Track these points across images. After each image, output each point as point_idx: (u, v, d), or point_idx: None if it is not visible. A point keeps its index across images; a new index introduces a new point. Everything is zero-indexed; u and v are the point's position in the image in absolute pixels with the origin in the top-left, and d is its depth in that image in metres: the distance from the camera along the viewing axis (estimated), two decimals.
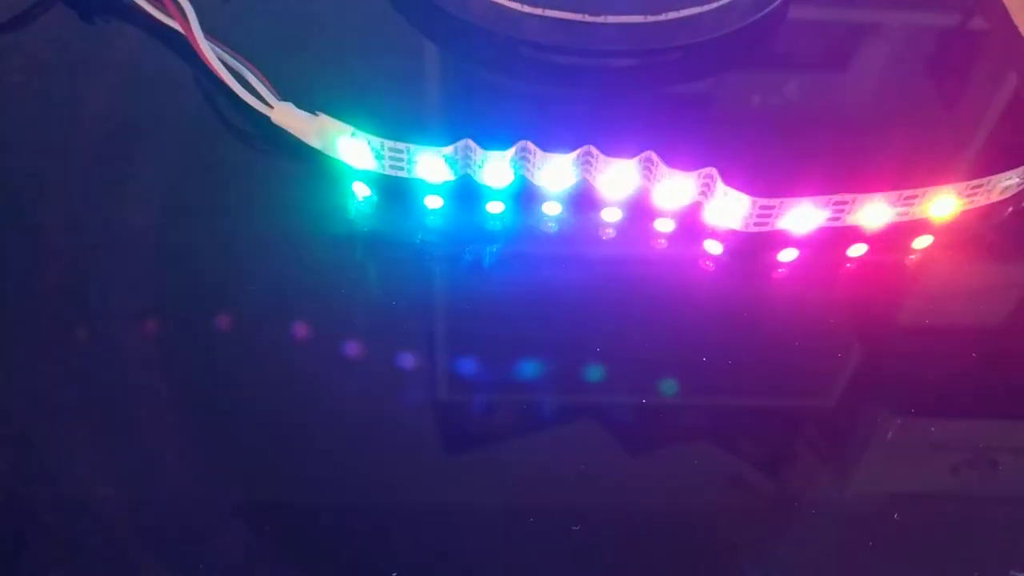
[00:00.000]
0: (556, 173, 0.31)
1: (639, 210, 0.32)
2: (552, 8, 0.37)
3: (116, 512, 0.25)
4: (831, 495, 0.27)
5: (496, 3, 0.37)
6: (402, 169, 0.32)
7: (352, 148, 0.32)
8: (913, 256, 0.32)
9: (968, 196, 0.32)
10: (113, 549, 0.24)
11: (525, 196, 0.32)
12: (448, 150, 0.31)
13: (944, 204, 0.32)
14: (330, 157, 0.32)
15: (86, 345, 0.28)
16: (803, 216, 0.31)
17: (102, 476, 0.26)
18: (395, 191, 0.32)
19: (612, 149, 0.31)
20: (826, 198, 0.31)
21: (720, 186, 0.31)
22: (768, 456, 0.28)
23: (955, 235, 0.32)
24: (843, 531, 0.26)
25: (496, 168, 0.31)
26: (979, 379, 0.29)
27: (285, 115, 0.32)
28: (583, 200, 0.32)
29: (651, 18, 0.37)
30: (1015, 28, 0.41)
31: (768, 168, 0.33)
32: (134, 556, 0.24)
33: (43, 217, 0.31)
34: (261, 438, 0.27)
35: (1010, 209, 0.33)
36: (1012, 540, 0.26)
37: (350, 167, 0.32)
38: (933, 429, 0.28)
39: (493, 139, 0.31)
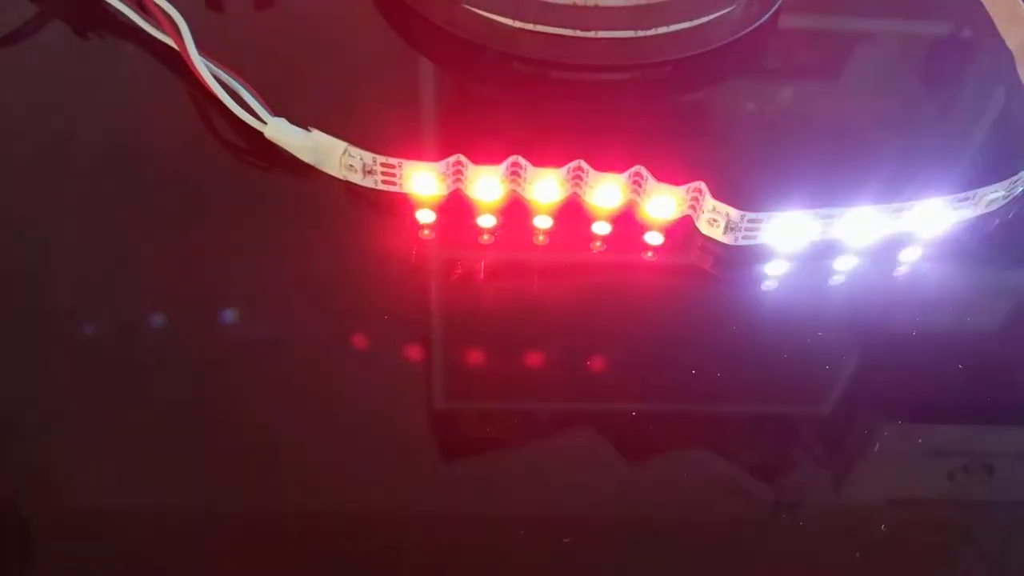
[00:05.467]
0: (546, 187, 0.32)
1: (628, 224, 0.32)
2: (544, 23, 0.37)
3: (110, 518, 0.25)
4: (828, 504, 0.27)
5: (488, 18, 0.38)
6: (395, 184, 0.32)
7: (345, 163, 0.32)
8: (901, 268, 0.32)
9: (955, 208, 0.32)
10: (107, 557, 0.25)
11: (515, 210, 0.32)
12: (440, 165, 0.31)
13: (931, 216, 0.32)
14: (323, 172, 0.33)
15: (80, 355, 0.28)
16: (792, 229, 0.31)
17: (98, 481, 0.26)
18: (387, 206, 0.32)
19: (602, 163, 0.31)
20: (814, 211, 0.31)
21: (709, 200, 0.31)
22: (763, 466, 0.28)
23: (943, 247, 0.33)
24: (840, 539, 0.26)
25: (487, 182, 0.31)
26: (970, 387, 0.30)
27: (278, 131, 0.33)
28: (573, 214, 0.32)
29: (641, 33, 0.38)
30: (1002, 40, 0.41)
31: (757, 181, 0.33)
32: (125, 563, 0.25)
33: (35, 233, 0.31)
34: (248, 448, 0.27)
35: (997, 221, 0.34)
36: (1009, 545, 0.27)
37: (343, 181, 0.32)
38: (928, 437, 0.28)
39: (484, 154, 0.31)
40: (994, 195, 0.33)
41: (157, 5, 0.35)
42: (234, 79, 0.34)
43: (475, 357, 0.29)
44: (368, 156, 0.31)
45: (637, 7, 0.37)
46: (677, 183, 0.31)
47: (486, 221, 0.32)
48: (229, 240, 0.31)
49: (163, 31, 0.35)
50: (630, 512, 0.26)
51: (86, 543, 0.25)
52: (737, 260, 0.32)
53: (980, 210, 0.33)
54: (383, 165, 0.31)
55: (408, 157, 0.31)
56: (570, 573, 0.25)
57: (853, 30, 0.43)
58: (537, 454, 0.28)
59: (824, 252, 0.32)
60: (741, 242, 0.31)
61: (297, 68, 0.37)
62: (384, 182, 0.32)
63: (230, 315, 0.29)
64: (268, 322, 0.29)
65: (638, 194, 0.32)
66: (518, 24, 0.37)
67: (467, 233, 0.32)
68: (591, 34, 0.37)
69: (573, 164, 0.31)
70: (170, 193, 0.33)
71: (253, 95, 0.33)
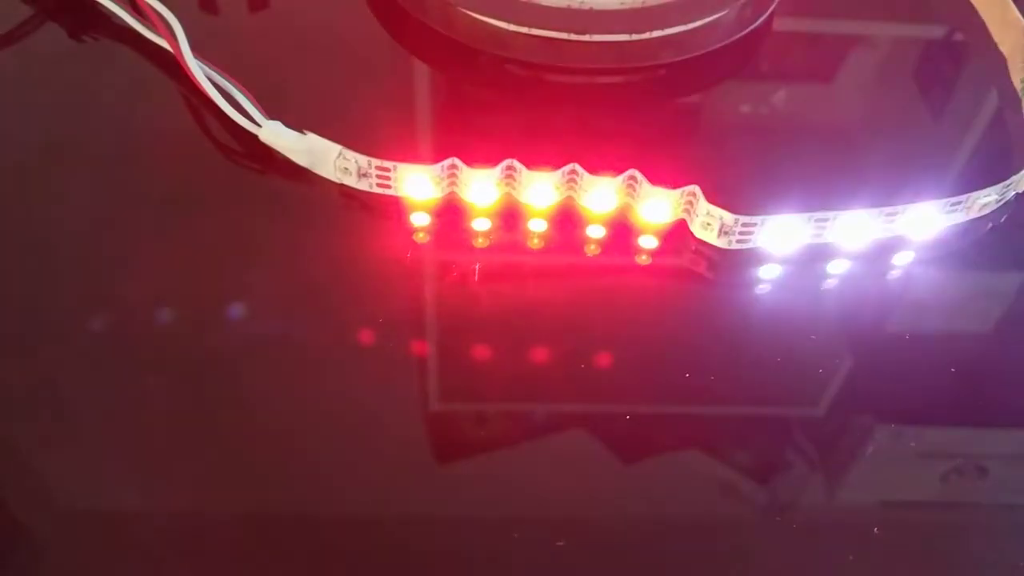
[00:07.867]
0: (540, 191, 0.32)
1: (623, 227, 0.32)
2: (538, 27, 0.37)
3: (105, 520, 0.25)
4: (821, 506, 0.27)
5: (483, 21, 0.38)
6: (389, 187, 0.32)
7: (340, 166, 0.32)
8: (894, 272, 0.33)
9: (948, 212, 0.33)
10: (104, 559, 0.25)
11: (510, 213, 0.32)
12: (435, 168, 0.31)
13: (924, 220, 0.32)
14: (318, 175, 0.33)
15: (75, 356, 0.28)
16: (785, 233, 0.31)
17: (94, 482, 0.26)
18: (382, 209, 0.32)
19: (597, 166, 0.32)
20: (808, 215, 0.31)
21: (703, 203, 0.31)
22: (757, 469, 0.28)
23: (935, 251, 0.33)
24: (833, 541, 0.26)
25: (481, 186, 0.32)
26: (963, 389, 0.30)
27: (273, 134, 0.33)
28: (567, 217, 0.32)
29: (636, 36, 0.38)
30: (995, 44, 0.41)
31: (751, 185, 0.33)
32: (121, 564, 0.25)
33: (31, 234, 0.31)
34: (241, 450, 0.27)
35: (990, 225, 0.34)
36: (1003, 547, 0.27)
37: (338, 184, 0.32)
38: (920, 439, 0.28)
39: (479, 157, 0.31)
40: (987, 199, 0.33)
41: (151, 7, 0.35)
42: (229, 82, 0.33)
43: (469, 360, 0.29)
44: (363, 159, 0.31)
45: (631, 10, 0.37)
46: (671, 187, 0.31)
47: (481, 224, 0.32)
48: (224, 243, 0.31)
49: (157, 33, 0.35)
50: (623, 514, 0.26)
51: (86, 543, 0.25)
52: (731, 264, 0.32)
53: (973, 214, 0.33)
54: (378, 168, 0.31)
55: (403, 160, 0.31)
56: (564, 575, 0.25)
57: (847, 34, 0.43)
58: (531, 456, 0.28)
59: (817, 256, 0.32)
60: (735, 246, 0.32)
61: (292, 71, 0.37)
62: (379, 185, 0.32)
63: (225, 318, 0.29)
64: (263, 325, 0.29)
65: (632, 198, 0.32)
66: (513, 27, 0.37)
67: (462, 236, 0.32)
68: (585, 37, 0.37)
69: (568, 167, 0.31)
70: (165, 196, 0.32)
71: (248, 98, 0.33)
